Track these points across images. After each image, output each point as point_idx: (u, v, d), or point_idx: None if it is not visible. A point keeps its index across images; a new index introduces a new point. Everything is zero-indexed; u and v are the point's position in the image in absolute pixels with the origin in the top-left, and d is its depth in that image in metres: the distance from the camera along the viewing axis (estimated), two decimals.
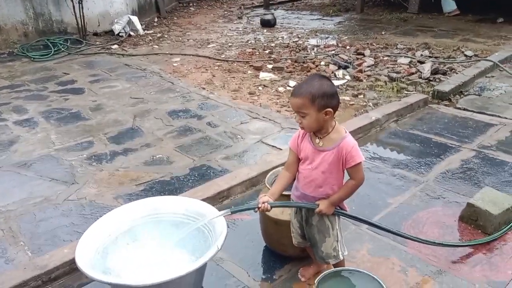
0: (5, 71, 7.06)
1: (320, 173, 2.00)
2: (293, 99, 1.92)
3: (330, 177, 2.00)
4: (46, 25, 8.96)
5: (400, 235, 2.38)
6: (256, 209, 1.99)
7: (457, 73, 5.84)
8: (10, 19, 8.52)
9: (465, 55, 6.75)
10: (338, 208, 2.09)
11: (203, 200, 2.67)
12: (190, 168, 3.68)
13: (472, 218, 2.80)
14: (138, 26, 9.66)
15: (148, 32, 10.04)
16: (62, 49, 8.33)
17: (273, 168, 3.05)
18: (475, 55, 6.74)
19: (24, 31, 8.73)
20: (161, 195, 3.18)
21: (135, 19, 9.63)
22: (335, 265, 2.18)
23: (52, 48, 8.20)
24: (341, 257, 2.16)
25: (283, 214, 2.37)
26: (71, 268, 2.44)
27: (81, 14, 8.74)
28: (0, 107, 5.29)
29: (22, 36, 8.70)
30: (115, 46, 8.47)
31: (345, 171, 2.01)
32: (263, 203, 1.98)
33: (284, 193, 2.17)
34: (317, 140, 1.99)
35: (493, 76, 5.85)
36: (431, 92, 5.21)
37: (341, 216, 2.14)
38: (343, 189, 2.02)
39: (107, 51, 8.16)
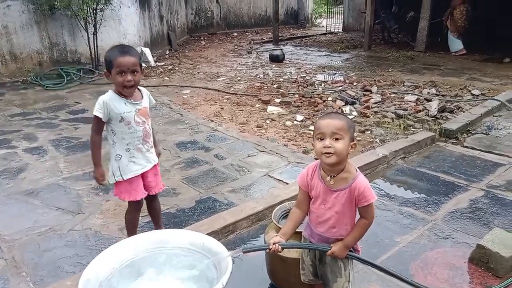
0: (18, 98, 7.21)
1: (334, 213, 1.97)
2: (331, 120, 1.86)
3: (343, 217, 1.97)
4: (60, 55, 9.20)
5: (418, 287, 2.27)
6: (268, 250, 1.97)
7: (464, 112, 5.87)
8: (26, 48, 8.77)
9: (472, 94, 6.80)
10: (352, 250, 2.05)
11: (209, 234, 2.64)
12: (196, 200, 3.67)
13: (482, 260, 2.74)
14: (150, 58, 9.88)
15: (160, 64, 10.26)
16: (75, 78, 8.53)
17: (280, 202, 3.04)
18: (482, 94, 6.78)
19: (38, 60, 8.97)
20: (167, 227, 3.16)
21: (147, 51, 9.87)
22: None
23: (65, 77, 8.41)
24: None
25: (290, 251, 2.34)
26: None
27: (95, 45, 8.98)
28: (11, 134, 5.37)
29: (36, 65, 8.93)
30: None
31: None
32: (274, 243, 1.96)
33: (297, 230, 2.14)
34: (328, 179, 1.96)
35: (500, 116, 5.86)
36: (438, 130, 5.22)
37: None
38: (356, 230, 1.98)
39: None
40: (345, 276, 2.06)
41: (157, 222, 3.00)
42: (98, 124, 2.56)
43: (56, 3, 8.37)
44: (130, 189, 2.66)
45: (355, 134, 5.11)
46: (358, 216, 2.01)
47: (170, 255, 2.32)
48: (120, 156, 2.59)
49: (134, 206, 2.77)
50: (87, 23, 8.71)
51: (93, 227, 3.27)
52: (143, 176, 2.71)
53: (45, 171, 4.27)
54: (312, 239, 2.11)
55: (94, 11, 8.68)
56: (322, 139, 1.86)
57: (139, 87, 2.65)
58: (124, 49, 2.47)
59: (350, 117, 5.81)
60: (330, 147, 1.83)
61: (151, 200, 2.87)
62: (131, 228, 2.84)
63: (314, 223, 2.07)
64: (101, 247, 2.92)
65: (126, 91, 2.50)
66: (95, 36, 8.92)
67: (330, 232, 2.02)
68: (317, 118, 2.16)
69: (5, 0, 8.35)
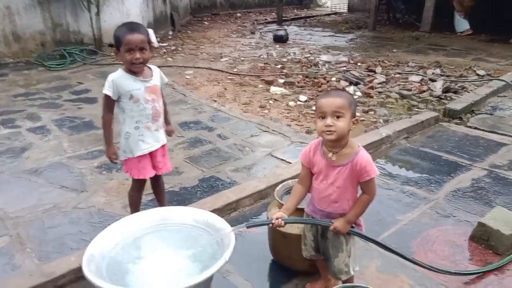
0: (21, 79, 7.20)
1: (335, 188, 1.98)
2: (331, 98, 1.88)
3: (345, 192, 1.98)
4: (63, 36, 9.14)
5: (419, 264, 2.28)
6: (270, 224, 1.99)
7: (468, 92, 5.82)
8: (29, 29, 8.71)
9: (477, 74, 6.74)
10: (354, 226, 2.07)
11: (212, 211, 2.66)
12: (199, 179, 3.68)
13: (483, 238, 2.75)
14: (153, 38, 9.80)
15: (163, 44, 10.19)
16: (78, 59, 8.48)
17: (282, 181, 3.04)
18: (488, 75, 6.72)
19: (41, 41, 8.91)
20: (170, 205, 3.18)
21: (150, 31, 9.74)
22: (344, 281, 2.16)
23: (68, 58, 8.37)
24: (352, 273, 2.13)
25: (292, 227, 2.35)
26: (77, 276, 2.43)
27: (98, 25, 8.91)
28: (15, 114, 5.38)
29: (39, 46, 8.88)
30: None
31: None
32: (277, 218, 1.98)
33: (298, 206, 2.15)
34: (330, 155, 1.96)
35: (505, 96, 5.82)
36: (442, 110, 5.19)
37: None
38: (358, 205, 1.99)
39: (121, 62, 8.27)
40: (346, 251, 2.08)
41: (160, 199, 3.02)
42: (109, 103, 2.57)
43: None
44: (140, 167, 2.68)
45: (358, 113, 5.10)
46: (360, 192, 2.02)
47: (174, 232, 2.35)
48: (129, 134, 2.61)
49: (139, 184, 2.79)
50: (90, 4, 8.63)
51: (96, 204, 3.30)
52: (151, 155, 2.72)
53: (49, 150, 4.29)
54: (315, 215, 2.13)
55: None
56: (323, 118, 1.88)
57: (150, 65, 2.65)
58: (132, 26, 2.46)
59: (354, 97, 5.78)
60: (331, 125, 1.84)
61: (155, 178, 2.89)
62: (134, 206, 2.87)
63: (316, 199, 2.08)
64: (104, 224, 2.95)
65: (135, 68, 2.49)
66: (98, 16, 8.84)
67: (332, 207, 2.03)
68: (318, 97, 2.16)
69: None
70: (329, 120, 1.85)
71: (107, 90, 2.50)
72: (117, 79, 2.50)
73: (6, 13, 8.38)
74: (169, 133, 2.89)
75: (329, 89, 6.19)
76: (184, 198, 3.39)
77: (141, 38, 2.42)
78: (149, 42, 2.51)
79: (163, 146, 2.77)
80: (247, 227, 2.05)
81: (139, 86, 2.54)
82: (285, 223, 2.01)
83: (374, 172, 1.92)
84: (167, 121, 2.86)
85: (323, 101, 1.90)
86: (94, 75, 7.38)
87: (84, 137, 4.62)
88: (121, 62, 2.55)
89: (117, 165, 3.60)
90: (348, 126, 1.88)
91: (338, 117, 1.85)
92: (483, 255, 2.70)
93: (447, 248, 2.76)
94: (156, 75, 2.66)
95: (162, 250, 2.31)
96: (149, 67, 2.65)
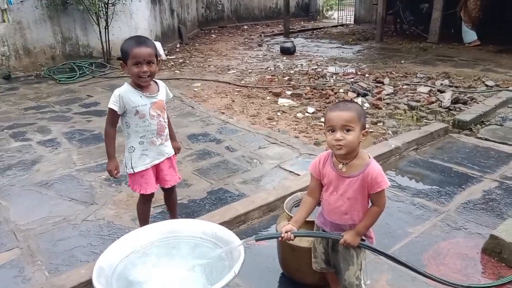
0: (31, 92, 7.30)
1: (345, 199, 1.97)
2: (340, 112, 1.86)
3: (355, 203, 1.97)
4: (73, 49, 9.29)
5: (431, 278, 2.22)
6: (280, 238, 1.98)
7: (478, 103, 5.79)
8: (39, 42, 8.87)
9: (486, 85, 6.71)
10: (364, 239, 2.05)
11: (220, 224, 2.65)
12: (207, 191, 3.69)
13: (495, 250, 2.71)
14: (161, 51, 9.91)
15: (171, 57, 10.30)
16: (87, 72, 8.60)
17: (291, 193, 3.03)
18: (497, 85, 6.68)
19: (51, 55, 9.06)
20: (179, 217, 3.18)
21: (158, 44, 9.87)
22: None
23: (78, 71, 8.49)
24: (363, 286, 2.10)
25: (301, 240, 2.34)
26: None
27: (107, 39, 9.04)
28: (25, 127, 5.45)
29: (49, 59, 9.03)
30: None
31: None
32: (286, 232, 1.97)
33: (308, 219, 2.14)
34: (340, 166, 1.96)
35: None
36: (451, 121, 5.16)
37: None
38: (368, 217, 1.97)
39: (129, 75, 8.36)
40: (357, 264, 2.06)
41: (172, 212, 3.02)
42: (113, 117, 2.58)
43: None
44: (142, 181, 2.67)
45: (367, 125, 5.08)
46: (370, 203, 2.01)
47: (183, 244, 2.34)
48: (133, 149, 2.61)
49: (145, 197, 2.79)
50: (99, 18, 8.77)
51: (106, 217, 3.31)
52: (158, 169, 2.73)
53: (59, 163, 4.32)
54: (325, 228, 2.11)
55: (106, 6, 8.72)
56: (333, 131, 1.87)
57: (156, 80, 2.66)
58: (140, 40, 2.47)
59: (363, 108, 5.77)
60: (341, 139, 1.84)
61: (168, 191, 2.89)
62: (143, 218, 2.87)
63: (326, 211, 2.07)
64: (114, 237, 2.96)
65: (142, 82, 2.50)
66: (106, 30, 8.98)
67: (343, 219, 2.02)
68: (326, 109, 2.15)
69: None
70: (338, 134, 1.84)
71: (113, 104, 2.51)
72: (124, 94, 2.51)
73: (17, 27, 8.54)
74: (175, 150, 2.87)
75: (337, 100, 6.19)
76: (192, 210, 3.39)
77: (148, 52, 2.44)
78: (156, 55, 2.53)
79: (169, 158, 2.77)
80: (256, 240, 2.04)
81: (145, 102, 2.55)
82: (295, 237, 1.99)
83: (385, 183, 1.91)
84: (172, 137, 2.84)
85: (332, 114, 1.88)
86: (103, 88, 7.47)
87: (93, 150, 4.65)
88: (128, 75, 2.57)
89: (119, 178, 3.63)
90: (358, 139, 1.87)
91: (347, 130, 1.84)
92: (496, 268, 2.65)
93: (459, 261, 2.72)
94: (162, 91, 2.67)
95: (171, 263, 2.30)
96: (156, 82, 2.66)
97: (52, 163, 4.33)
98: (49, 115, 5.98)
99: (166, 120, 2.72)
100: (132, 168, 2.63)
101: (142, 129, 2.58)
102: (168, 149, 2.76)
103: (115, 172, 2.65)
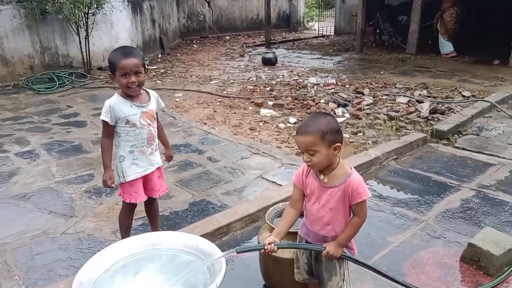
0: (9, 103, 7.17)
1: (328, 210, 1.99)
2: (300, 137, 1.89)
3: (337, 214, 1.99)
4: (52, 59, 9.16)
5: (408, 286, 2.28)
6: (263, 250, 1.98)
7: (455, 113, 5.93)
8: (17, 52, 8.72)
9: (463, 96, 6.88)
10: (346, 251, 2.06)
11: (202, 235, 2.63)
12: (189, 203, 3.67)
13: (473, 258, 2.77)
14: None
15: (152, 67, 10.25)
16: (67, 82, 8.50)
17: (273, 204, 3.04)
18: (473, 96, 6.86)
19: (30, 64, 8.92)
20: (160, 230, 3.15)
21: None
22: None
23: (57, 81, 8.38)
24: None
25: (284, 252, 2.34)
26: None
27: (87, 49, 8.95)
28: (2, 138, 5.33)
29: (28, 69, 8.88)
30: None
31: None
32: (270, 243, 1.97)
33: (291, 230, 2.15)
34: (322, 177, 1.98)
35: (490, 117, 5.94)
36: (430, 131, 5.27)
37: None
38: (349, 228, 1.99)
39: (110, 85, 8.29)
40: (340, 274, 2.07)
41: (153, 223, 3.00)
42: (107, 128, 2.58)
43: (47, 7, 8.34)
44: (132, 191, 2.68)
45: (347, 135, 5.15)
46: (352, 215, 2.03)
47: (164, 257, 2.32)
48: (123, 158, 2.62)
49: (129, 207, 2.77)
50: (79, 27, 8.68)
51: (86, 230, 3.25)
52: (147, 178, 2.74)
53: (37, 175, 4.24)
54: (307, 238, 2.13)
55: (86, 15, 8.65)
56: (302, 152, 1.93)
57: (147, 89, 2.70)
58: (126, 51, 2.49)
59: (342, 119, 5.84)
60: (308, 160, 1.90)
61: (150, 201, 2.88)
62: (125, 229, 2.85)
63: (309, 221, 2.09)
64: (94, 250, 2.91)
65: (131, 92, 2.52)
66: (87, 40, 8.89)
67: (325, 230, 2.03)
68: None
69: None
70: (305, 156, 1.90)
71: (104, 116, 2.52)
72: (114, 104, 2.52)
73: None
74: (167, 158, 2.93)
75: (317, 110, 6.25)
76: (174, 222, 3.36)
77: (135, 62, 2.45)
78: (144, 65, 2.55)
79: (158, 168, 2.79)
80: (238, 252, 2.03)
81: (135, 112, 2.56)
82: (278, 248, 2.00)
83: (366, 194, 1.93)
84: (165, 145, 2.90)
85: (296, 138, 1.95)
86: (83, 99, 7.38)
87: (73, 161, 4.59)
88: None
89: (108, 189, 3.59)
90: (327, 157, 1.89)
91: (311, 154, 1.88)
92: (474, 276, 2.70)
93: (438, 270, 2.76)
94: (153, 100, 2.69)
95: (152, 276, 2.28)
96: (147, 91, 2.69)
97: (31, 175, 4.24)
98: (27, 126, 5.87)
99: (156, 130, 2.74)
100: (124, 177, 2.63)
101: (133, 138, 2.60)
102: (158, 159, 2.78)
103: (110, 182, 2.62)
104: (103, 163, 2.65)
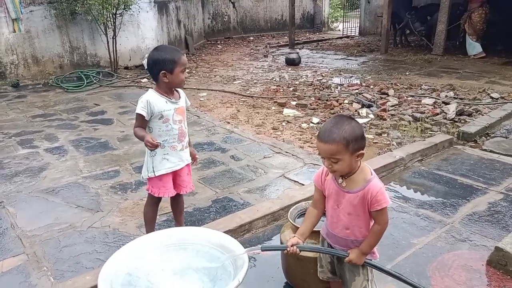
0: (39, 100, 7.38)
1: (346, 214, 1.95)
2: (323, 144, 1.80)
3: (356, 219, 1.94)
4: (80, 58, 9.40)
5: None
6: (285, 251, 1.98)
7: (483, 115, 5.79)
8: (48, 51, 8.98)
9: (491, 97, 6.71)
10: (369, 258, 2.03)
11: (225, 232, 2.67)
12: (212, 200, 3.70)
13: (500, 263, 2.70)
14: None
15: None
16: (94, 81, 8.70)
17: (295, 203, 3.04)
18: (502, 98, 6.68)
19: (59, 63, 9.17)
20: (184, 226, 3.19)
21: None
22: None
23: (85, 80, 8.58)
24: None
25: None
26: None
27: (114, 49, 9.14)
28: (33, 134, 5.50)
29: (57, 68, 9.14)
30: (145, 80, 8.77)
31: None
32: (293, 245, 1.97)
33: (314, 229, 2.14)
34: (340, 180, 1.93)
35: None
36: (456, 133, 5.17)
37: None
38: (370, 236, 1.94)
39: (136, 85, 8.46)
40: (363, 274, 2.05)
41: (178, 218, 3.05)
42: (141, 122, 2.62)
43: (77, 8, 8.57)
44: (160, 185, 2.73)
45: (371, 136, 5.10)
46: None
47: (188, 252, 2.35)
48: (155, 153, 2.67)
49: (154, 200, 2.83)
50: (107, 28, 8.88)
51: (111, 224, 3.33)
52: (176, 174, 2.79)
53: (65, 170, 4.36)
54: (328, 239, 2.11)
55: (114, 16, 8.84)
56: (323, 157, 1.88)
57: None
58: (177, 48, 2.64)
59: (366, 120, 5.79)
60: (330, 167, 1.85)
61: (176, 197, 2.92)
62: (149, 222, 2.91)
63: (329, 222, 2.08)
64: (119, 243, 2.97)
65: (183, 86, 2.69)
66: (114, 40, 9.08)
67: (344, 233, 2.00)
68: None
69: (28, 5, 8.57)
70: (326, 163, 1.85)
71: (141, 110, 2.56)
72: (151, 99, 2.58)
73: (26, 36, 8.66)
74: (192, 157, 2.92)
75: (341, 111, 6.21)
76: (197, 219, 3.40)
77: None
78: None
79: (188, 165, 2.85)
80: (262, 250, 2.03)
81: (170, 107, 2.63)
82: (300, 251, 1.98)
83: (385, 202, 1.86)
84: (189, 144, 2.93)
85: (318, 144, 1.85)
86: (110, 97, 7.54)
87: (99, 158, 4.69)
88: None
89: (133, 185, 3.66)
90: (349, 165, 1.83)
91: (334, 162, 1.82)
92: (501, 281, 2.64)
93: (464, 273, 2.71)
94: (183, 97, 2.77)
95: (176, 270, 2.32)
96: (177, 90, 2.75)
97: (59, 170, 4.37)
98: (57, 123, 6.04)
99: (187, 127, 2.80)
100: (154, 172, 2.69)
101: (165, 133, 2.66)
102: (188, 156, 2.84)
103: (153, 140, 2.48)
104: (139, 136, 2.55)
